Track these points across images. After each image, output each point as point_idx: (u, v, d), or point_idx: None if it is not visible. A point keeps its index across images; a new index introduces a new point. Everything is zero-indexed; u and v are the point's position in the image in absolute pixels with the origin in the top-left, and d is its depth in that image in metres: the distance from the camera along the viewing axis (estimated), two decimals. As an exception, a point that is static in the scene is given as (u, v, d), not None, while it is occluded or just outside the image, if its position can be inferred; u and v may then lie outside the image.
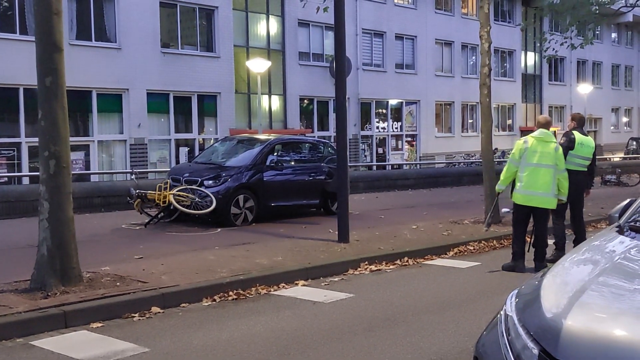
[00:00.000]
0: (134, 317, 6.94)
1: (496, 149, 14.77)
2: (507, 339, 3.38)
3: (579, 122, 10.44)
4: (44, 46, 7.46)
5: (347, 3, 11.39)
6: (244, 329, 6.56)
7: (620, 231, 4.35)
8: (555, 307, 3.30)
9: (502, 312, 3.73)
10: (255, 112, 26.98)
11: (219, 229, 12.62)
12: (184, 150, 25.95)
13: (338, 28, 11.16)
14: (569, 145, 10.06)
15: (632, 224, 4.44)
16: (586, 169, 10.26)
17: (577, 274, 3.82)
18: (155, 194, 13.04)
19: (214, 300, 7.69)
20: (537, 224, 9.40)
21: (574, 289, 3.44)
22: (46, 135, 7.45)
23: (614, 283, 3.59)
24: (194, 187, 13.19)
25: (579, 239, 10.28)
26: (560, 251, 10.05)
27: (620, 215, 4.79)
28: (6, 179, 20.35)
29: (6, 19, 21.06)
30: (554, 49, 19.39)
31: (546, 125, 9.38)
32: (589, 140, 10.41)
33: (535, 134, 9.19)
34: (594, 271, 3.68)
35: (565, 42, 19.10)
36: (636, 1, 20.56)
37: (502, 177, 9.33)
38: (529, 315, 3.39)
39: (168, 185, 13.30)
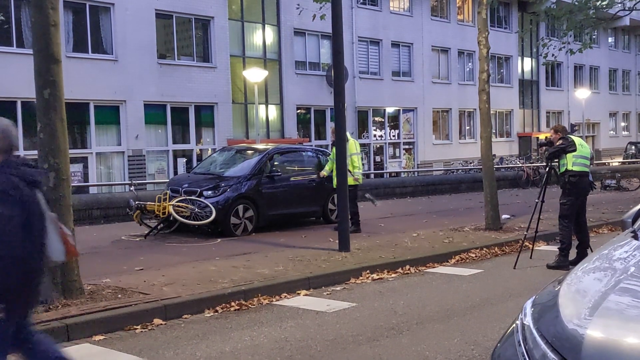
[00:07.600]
0: (136, 329, 6.89)
1: (494, 155, 14.73)
2: (525, 349, 3.30)
3: (564, 132, 10.44)
4: (42, 58, 7.43)
5: (343, 11, 11.36)
6: (247, 340, 6.51)
7: (636, 237, 4.27)
8: (575, 316, 3.23)
9: (517, 322, 3.65)
10: (252, 122, 26.95)
11: (219, 239, 12.57)
12: (181, 161, 25.88)
13: (336, 36, 11.14)
14: (568, 147, 10.03)
15: None
16: (589, 171, 10.24)
17: (596, 282, 3.73)
18: (154, 205, 13.00)
19: (216, 311, 7.64)
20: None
21: (593, 298, 3.36)
22: (45, 147, 7.42)
23: (635, 290, 3.53)
24: (193, 197, 13.15)
25: (583, 244, 10.23)
26: (564, 257, 10.00)
27: (634, 221, 4.73)
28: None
29: (3, 32, 21.01)
30: (552, 55, 19.33)
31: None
32: (583, 141, 10.53)
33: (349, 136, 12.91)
34: (612, 278, 3.59)
35: (564, 47, 19.07)
36: (634, 5, 20.54)
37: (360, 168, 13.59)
38: (547, 324, 3.32)
39: (167, 196, 13.25)
